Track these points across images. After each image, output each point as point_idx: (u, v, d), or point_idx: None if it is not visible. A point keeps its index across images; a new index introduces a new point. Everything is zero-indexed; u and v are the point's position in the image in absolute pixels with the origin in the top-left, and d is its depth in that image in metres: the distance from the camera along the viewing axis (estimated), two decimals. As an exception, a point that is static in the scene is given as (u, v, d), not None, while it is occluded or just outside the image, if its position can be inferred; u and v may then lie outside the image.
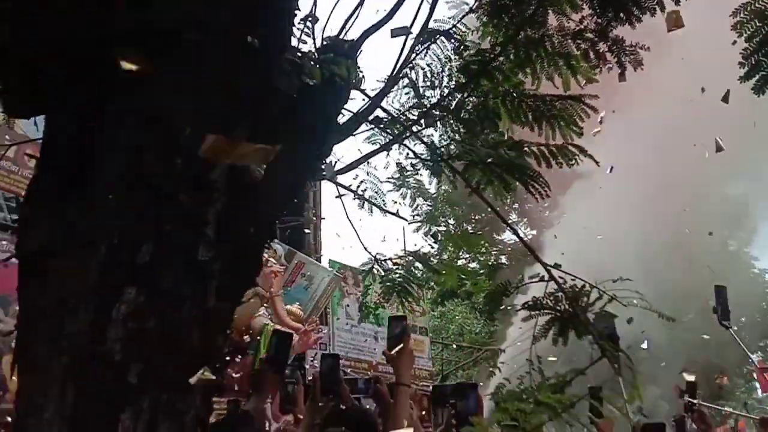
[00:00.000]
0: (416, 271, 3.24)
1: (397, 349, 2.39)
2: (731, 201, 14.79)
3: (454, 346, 15.09)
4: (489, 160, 2.17)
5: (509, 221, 15.86)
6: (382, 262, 3.31)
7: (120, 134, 1.63)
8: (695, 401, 3.69)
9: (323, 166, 2.28)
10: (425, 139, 2.56)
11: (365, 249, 3.18)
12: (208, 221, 1.71)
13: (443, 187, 16.69)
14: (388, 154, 2.86)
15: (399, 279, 3.19)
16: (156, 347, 1.55)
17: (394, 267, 3.26)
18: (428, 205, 15.69)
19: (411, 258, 3.19)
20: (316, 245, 14.74)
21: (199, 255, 1.68)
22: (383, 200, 3.05)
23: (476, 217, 15.80)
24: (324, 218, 15.66)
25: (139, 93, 1.66)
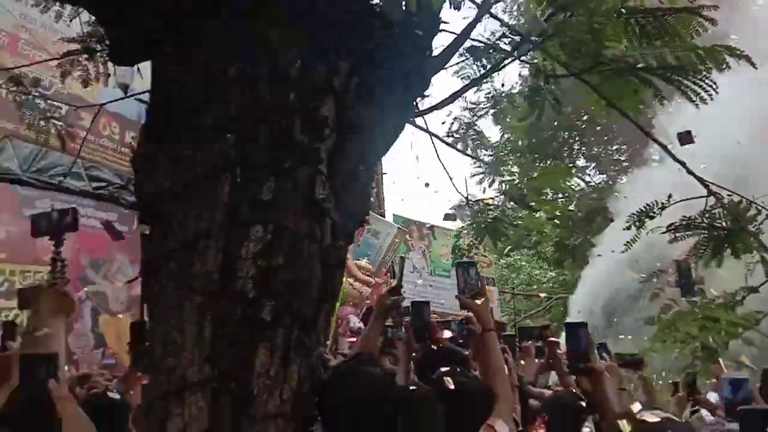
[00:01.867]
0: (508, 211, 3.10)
1: (473, 296, 2.28)
2: None
3: (522, 296, 14.95)
4: (639, 65, 1.96)
5: (577, 166, 15.26)
6: (473, 204, 3.20)
7: (230, 69, 1.58)
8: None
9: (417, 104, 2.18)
10: (523, 67, 2.37)
11: (456, 191, 3.08)
12: (321, 159, 1.67)
13: (505, 136, 16.22)
14: (478, 89, 2.71)
15: (490, 220, 3.07)
16: (284, 284, 1.54)
17: (485, 208, 3.14)
18: (489, 155, 15.29)
19: (503, 198, 3.05)
20: (379, 200, 14.79)
21: (316, 193, 1.64)
22: (480, 140, 2.90)
23: (540, 165, 15.30)
24: (386, 173, 15.63)
25: (244, 26, 1.60)
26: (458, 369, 2.14)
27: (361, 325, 8.56)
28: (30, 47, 7.41)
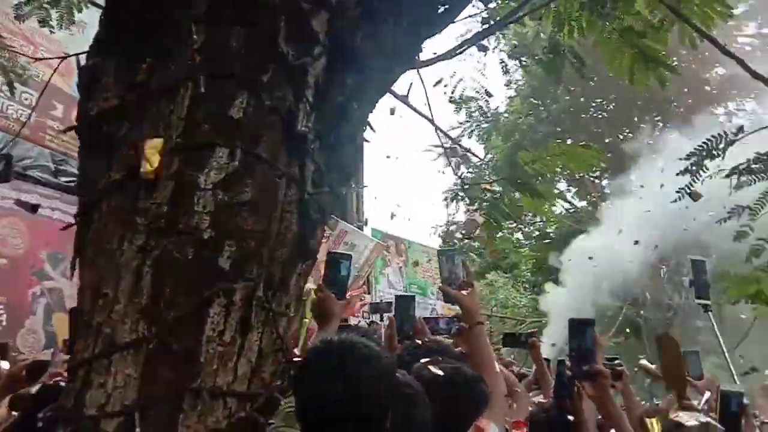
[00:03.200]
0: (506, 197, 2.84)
1: (459, 287, 2.01)
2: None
3: (497, 317, 14.69)
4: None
5: (559, 189, 15.19)
6: (470, 187, 2.91)
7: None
8: None
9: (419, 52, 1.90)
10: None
11: (453, 172, 2.74)
12: (308, 83, 1.37)
13: (488, 156, 16.14)
14: (484, 54, 2.46)
15: (486, 204, 2.79)
16: (251, 227, 1.23)
17: (483, 191, 2.87)
18: (471, 172, 15.06)
19: (503, 181, 2.79)
20: (359, 214, 14.49)
21: (298, 123, 1.34)
22: (486, 99, 2.62)
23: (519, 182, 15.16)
24: (366, 186, 15.37)
25: None
26: (440, 358, 1.83)
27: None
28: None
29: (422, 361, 1.82)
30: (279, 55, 1.27)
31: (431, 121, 2.96)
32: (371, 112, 1.62)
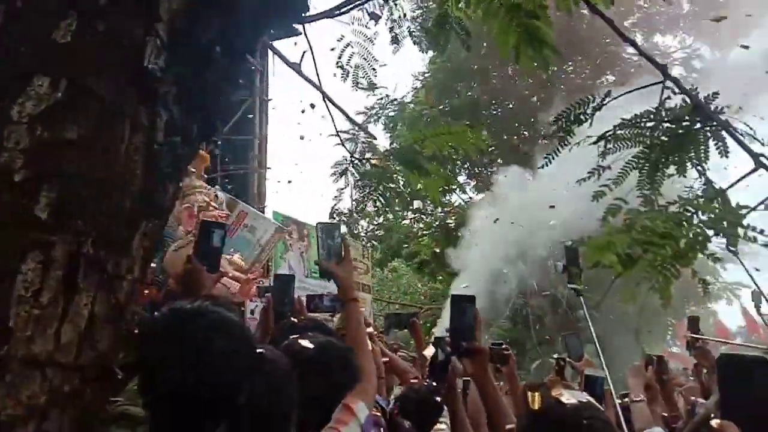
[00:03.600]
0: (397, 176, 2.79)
1: (337, 262, 1.96)
2: None
3: (397, 305, 14.92)
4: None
5: (458, 182, 15.67)
6: (358, 163, 2.83)
7: None
8: (698, 337, 3.47)
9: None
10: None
11: (344, 146, 2.65)
12: (158, 15, 1.21)
13: (394, 144, 16.29)
14: (376, 23, 2.38)
15: (376, 182, 2.73)
16: (77, 172, 1.06)
17: (372, 168, 2.80)
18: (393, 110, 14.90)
19: (391, 157, 2.73)
20: (260, 195, 14.03)
21: (146, 58, 1.18)
22: (374, 69, 2.55)
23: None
24: (270, 168, 14.91)
25: None
26: (311, 334, 1.76)
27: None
28: None
29: (292, 336, 1.74)
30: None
31: (320, 89, 2.85)
32: (240, 63, 1.49)
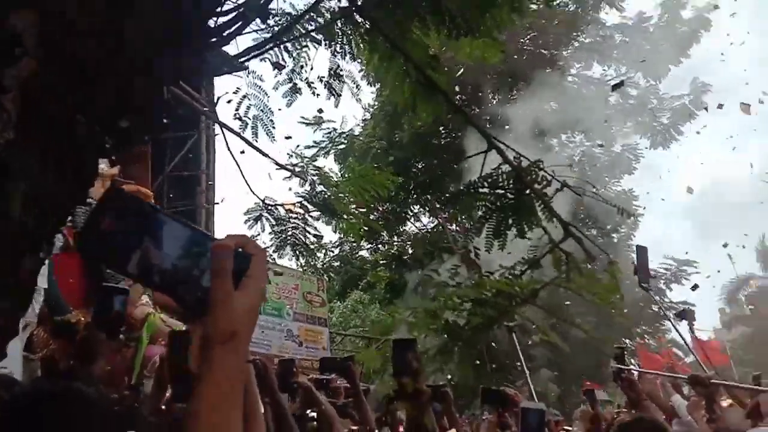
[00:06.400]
0: (314, 221, 2.78)
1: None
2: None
3: (354, 337, 14.74)
4: None
5: (412, 210, 15.75)
6: (272, 209, 2.80)
7: None
8: (624, 368, 3.55)
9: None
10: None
11: (251, 191, 2.64)
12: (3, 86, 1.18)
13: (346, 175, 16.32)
14: (280, 72, 2.39)
15: (293, 229, 2.70)
16: None
17: (287, 215, 2.77)
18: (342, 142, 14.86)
19: (307, 203, 2.71)
20: (209, 231, 13.71)
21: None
22: (271, 120, 2.55)
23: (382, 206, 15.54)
24: (218, 203, 14.64)
25: None
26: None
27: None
28: None
29: None
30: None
31: (243, 138, 2.84)
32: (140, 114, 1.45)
